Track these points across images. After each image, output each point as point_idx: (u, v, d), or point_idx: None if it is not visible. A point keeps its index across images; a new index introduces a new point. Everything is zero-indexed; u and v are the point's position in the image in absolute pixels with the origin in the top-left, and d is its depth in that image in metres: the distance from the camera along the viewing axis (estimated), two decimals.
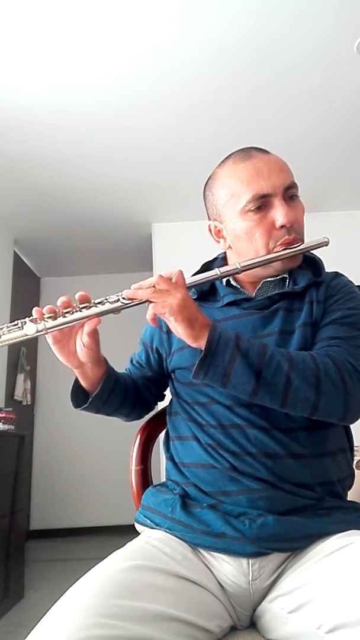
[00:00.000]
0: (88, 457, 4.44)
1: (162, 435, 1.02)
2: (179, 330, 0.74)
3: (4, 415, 2.74)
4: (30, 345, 4.32)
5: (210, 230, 0.96)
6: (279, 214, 0.85)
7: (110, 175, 3.16)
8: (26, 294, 4.37)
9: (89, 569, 0.70)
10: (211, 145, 2.82)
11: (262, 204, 0.86)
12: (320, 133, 2.83)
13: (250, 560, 0.74)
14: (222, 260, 1.00)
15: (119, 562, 0.70)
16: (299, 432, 0.80)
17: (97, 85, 2.35)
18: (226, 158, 0.93)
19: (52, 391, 4.45)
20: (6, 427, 2.68)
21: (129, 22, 2.00)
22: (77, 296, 0.79)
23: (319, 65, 2.29)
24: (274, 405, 0.75)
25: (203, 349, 0.73)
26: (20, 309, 3.88)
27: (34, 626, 0.61)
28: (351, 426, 0.90)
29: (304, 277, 0.90)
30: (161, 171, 3.15)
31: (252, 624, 0.77)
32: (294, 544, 0.75)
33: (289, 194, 0.87)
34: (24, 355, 4.10)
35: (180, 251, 3.24)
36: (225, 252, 0.99)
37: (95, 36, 2.06)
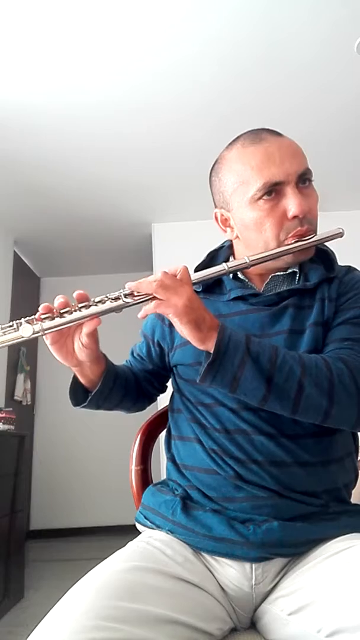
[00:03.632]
0: (88, 457, 4.43)
1: (162, 435, 1.02)
2: (185, 332, 0.70)
3: (4, 415, 2.73)
4: (30, 346, 4.32)
5: (216, 219, 0.90)
6: (291, 203, 0.79)
7: (110, 176, 3.15)
8: (26, 294, 4.36)
9: (89, 569, 0.70)
10: (212, 146, 2.81)
11: (273, 192, 0.80)
12: (321, 134, 2.83)
13: (253, 565, 0.73)
14: (229, 248, 0.95)
15: (119, 563, 0.70)
16: (306, 438, 0.77)
17: (99, 87, 2.35)
18: (235, 140, 0.86)
19: (52, 391, 4.45)
20: (6, 427, 2.68)
21: (131, 25, 2.00)
22: (75, 295, 0.74)
23: (319, 66, 2.29)
24: (284, 412, 0.72)
25: (211, 352, 0.69)
26: (20, 309, 3.88)
27: (34, 626, 0.60)
28: None
29: (315, 273, 0.85)
30: (161, 171, 3.15)
31: (253, 625, 0.77)
32: (299, 549, 0.74)
33: (302, 180, 0.82)
34: (24, 355, 4.10)
35: (180, 251, 3.23)
36: (231, 241, 0.93)
37: (97, 38, 2.06)
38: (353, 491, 0.85)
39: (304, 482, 0.75)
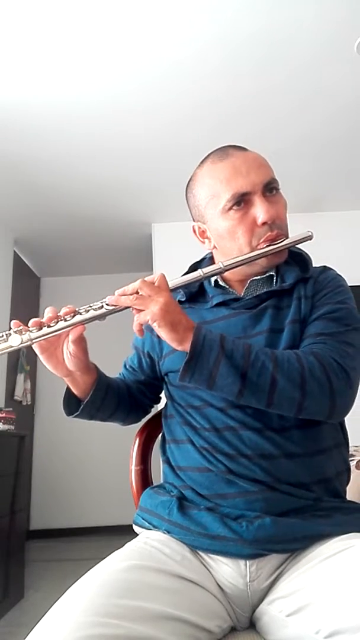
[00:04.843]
0: (88, 457, 4.44)
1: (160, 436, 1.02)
2: (163, 334, 0.74)
3: (4, 415, 2.74)
4: (29, 347, 4.32)
5: (194, 232, 0.96)
6: (259, 211, 0.84)
7: (110, 176, 3.16)
8: (26, 294, 4.37)
9: (89, 569, 0.70)
10: (212, 146, 2.80)
11: (242, 202, 0.85)
12: (321, 134, 2.83)
13: (247, 562, 0.74)
14: (210, 260, 1.00)
15: (118, 562, 0.70)
16: (292, 431, 0.79)
17: (99, 87, 2.36)
18: (205, 158, 0.93)
19: (52, 391, 4.44)
20: (6, 427, 2.68)
21: (131, 26, 2.00)
22: (62, 312, 0.79)
23: (319, 67, 2.29)
24: (260, 406, 0.75)
25: (188, 351, 0.73)
26: (20, 309, 3.88)
27: (34, 626, 0.61)
28: (349, 425, 0.90)
29: (291, 274, 0.90)
30: (161, 171, 3.15)
31: (252, 625, 0.77)
32: (292, 545, 0.74)
33: (269, 189, 0.87)
34: (24, 355, 4.10)
35: (180, 251, 3.22)
36: (212, 253, 0.99)
37: (97, 39, 2.06)
38: (348, 487, 0.86)
39: (293, 473, 0.78)
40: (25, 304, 4.20)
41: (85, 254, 4.43)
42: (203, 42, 2.12)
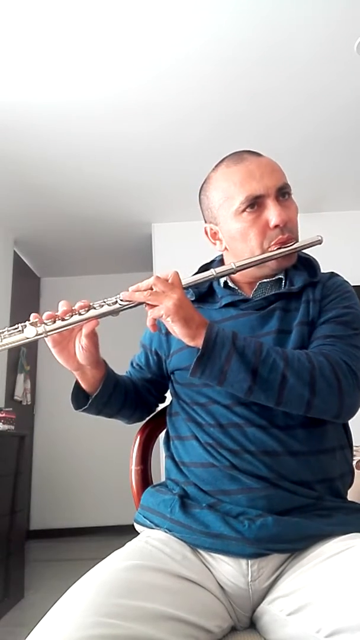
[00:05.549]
0: (88, 457, 4.44)
1: (162, 435, 1.03)
2: (176, 329, 0.75)
3: (4, 415, 2.74)
4: (30, 346, 4.32)
5: (206, 233, 0.98)
6: (272, 214, 0.86)
7: (110, 176, 3.16)
8: (26, 294, 4.37)
9: (89, 569, 0.70)
10: (212, 145, 2.83)
11: (255, 204, 0.87)
12: (321, 134, 2.83)
13: (249, 561, 0.74)
14: (220, 262, 1.01)
15: (119, 561, 0.71)
16: (297, 429, 0.80)
17: (99, 87, 2.36)
18: (220, 162, 0.95)
19: (52, 391, 4.45)
20: (6, 427, 2.68)
21: (132, 26, 2.00)
22: (77, 305, 0.80)
23: (318, 67, 2.29)
24: (269, 403, 0.76)
25: (200, 347, 0.74)
26: (20, 309, 3.88)
27: (34, 626, 0.61)
28: (351, 425, 0.90)
29: (300, 278, 0.91)
30: (161, 171, 3.15)
31: (252, 625, 0.77)
32: (294, 545, 0.74)
33: (282, 193, 0.89)
34: (24, 356, 4.10)
35: (180, 251, 3.24)
36: (222, 255, 1.00)
37: (97, 39, 2.06)
38: (350, 491, 0.86)
39: (296, 471, 0.78)
40: (25, 304, 4.20)
41: (85, 254, 4.43)
42: (203, 42, 2.12)
